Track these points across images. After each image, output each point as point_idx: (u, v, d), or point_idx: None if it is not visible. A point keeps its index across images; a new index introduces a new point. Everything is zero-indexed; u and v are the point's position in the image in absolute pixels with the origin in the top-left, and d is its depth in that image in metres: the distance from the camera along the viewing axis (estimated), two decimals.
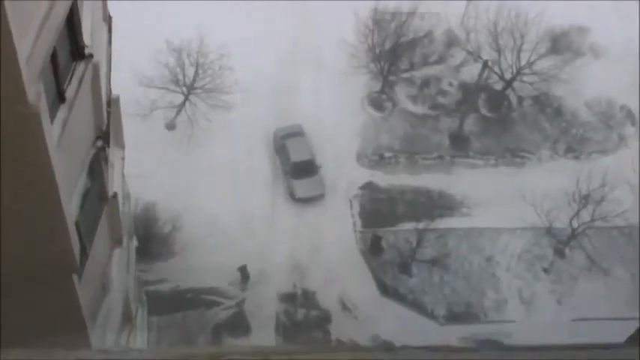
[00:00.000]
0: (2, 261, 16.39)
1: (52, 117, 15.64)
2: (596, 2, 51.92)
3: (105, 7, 21.13)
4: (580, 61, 49.51)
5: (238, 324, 41.68)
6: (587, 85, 49.63)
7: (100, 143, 18.92)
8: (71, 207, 17.34)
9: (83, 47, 16.97)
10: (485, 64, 47.13)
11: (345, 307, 42.57)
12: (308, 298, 42.67)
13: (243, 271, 42.33)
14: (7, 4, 12.25)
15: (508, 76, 48.53)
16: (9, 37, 12.61)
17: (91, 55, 17.16)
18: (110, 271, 22.79)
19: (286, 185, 45.38)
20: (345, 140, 47.32)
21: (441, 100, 49.67)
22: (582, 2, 51.58)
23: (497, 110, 49.58)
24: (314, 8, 50.57)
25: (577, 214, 43.77)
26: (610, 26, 51.67)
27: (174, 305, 41.36)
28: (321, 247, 44.05)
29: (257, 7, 49.83)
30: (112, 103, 20.88)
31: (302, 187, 44.80)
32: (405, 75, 49.55)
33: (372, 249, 43.94)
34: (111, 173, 20.95)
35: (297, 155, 45.23)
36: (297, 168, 44.91)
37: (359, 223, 45.27)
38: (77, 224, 17.69)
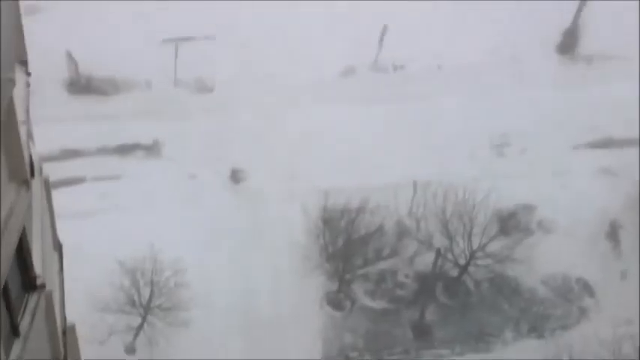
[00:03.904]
0: None
1: (7, 353, 15.17)
2: (540, 181, 53.00)
3: (55, 234, 20.99)
4: (531, 240, 49.65)
5: None
6: (541, 262, 49.53)
7: None
8: None
9: (35, 277, 16.70)
10: (438, 252, 46.96)
11: None
12: None
13: None
14: None
15: (462, 261, 48.28)
16: None
17: (43, 285, 16.87)
18: None
19: None
20: (309, 344, 46.42)
21: (399, 292, 49.17)
22: (526, 181, 52.63)
23: (456, 297, 49.15)
24: (263, 211, 50.78)
25: None
26: (555, 201, 52.33)
27: None
28: None
29: (205, 215, 50.03)
30: (68, 331, 20.40)
31: None
32: (361, 271, 49.15)
33: None
34: None
35: None
36: None
37: None
38: None
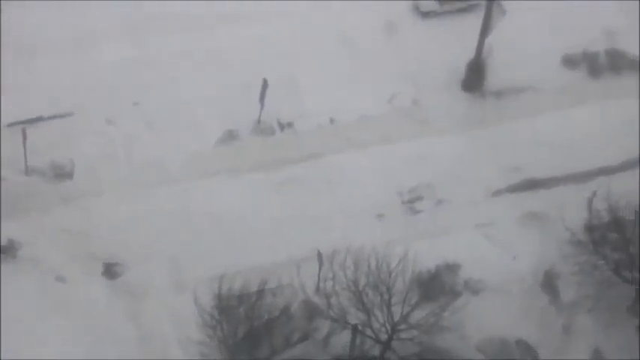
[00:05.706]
0: None
1: None
2: (461, 235, 49.91)
3: None
4: (458, 303, 46.33)
5: None
6: (474, 327, 46.39)
7: None
8: None
9: None
10: (355, 330, 43.30)
11: None
12: None
13: None
14: None
15: (383, 336, 44.55)
16: None
17: None
18: None
19: None
20: None
21: None
22: (446, 237, 49.53)
23: None
24: (147, 308, 46.79)
25: None
26: (480, 257, 49.35)
27: None
28: None
29: (80, 323, 45.60)
30: None
31: None
32: None
33: None
34: None
35: None
36: None
37: None
38: None
